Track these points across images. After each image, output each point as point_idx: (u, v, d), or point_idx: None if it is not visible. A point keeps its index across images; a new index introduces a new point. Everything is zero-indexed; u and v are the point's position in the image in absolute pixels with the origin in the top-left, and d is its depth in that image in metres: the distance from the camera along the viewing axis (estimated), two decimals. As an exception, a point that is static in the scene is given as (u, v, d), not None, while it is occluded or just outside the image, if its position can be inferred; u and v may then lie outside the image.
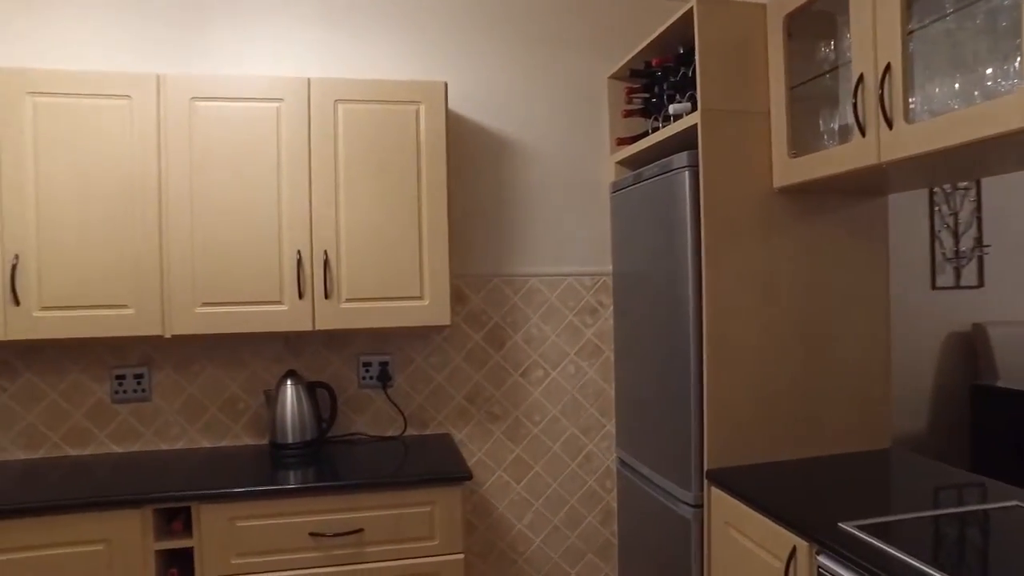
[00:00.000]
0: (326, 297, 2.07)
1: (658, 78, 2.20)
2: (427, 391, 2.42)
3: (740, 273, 1.89)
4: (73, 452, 2.18)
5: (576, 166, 2.52)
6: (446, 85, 2.13)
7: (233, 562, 1.81)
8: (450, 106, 2.44)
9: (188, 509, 1.82)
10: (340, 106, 2.07)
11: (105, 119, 1.94)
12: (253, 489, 1.81)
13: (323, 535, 1.83)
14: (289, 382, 2.17)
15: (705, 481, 1.88)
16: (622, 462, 2.43)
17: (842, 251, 1.97)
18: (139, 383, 2.20)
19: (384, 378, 2.37)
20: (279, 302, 2.04)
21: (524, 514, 2.48)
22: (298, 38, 2.34)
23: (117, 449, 2.21)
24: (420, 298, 2.13)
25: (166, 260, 1.97)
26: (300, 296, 2.05)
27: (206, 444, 2.27)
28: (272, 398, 2.17)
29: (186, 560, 1.83)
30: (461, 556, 1.92)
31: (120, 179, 1.95)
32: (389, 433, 2.38)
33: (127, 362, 2.21)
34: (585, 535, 2.53)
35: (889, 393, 2.01)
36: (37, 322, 1.91)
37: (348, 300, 2.08)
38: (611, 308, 2.53)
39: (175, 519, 1.84)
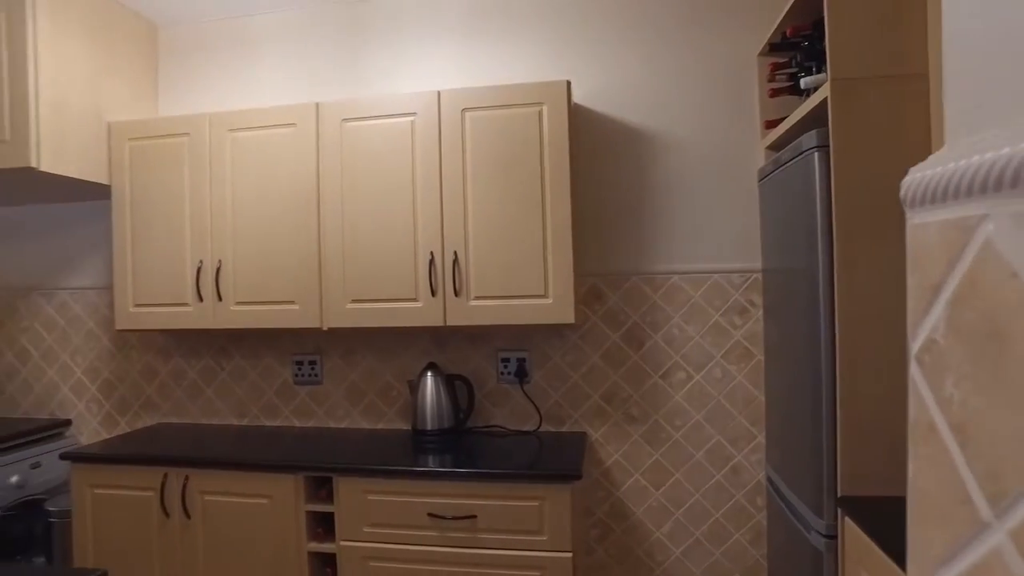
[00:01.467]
0: (456, 295, 2.21)
1: (801, 49, 1.95)
2: (563, 389, 2.44)
3: (883, 272, 1.60)
4: (268, 423, 2.63)
5: (722, 154, 2.33)
6: (568, 84, 2.14)
7: (364, 530, 2.03)
8: (581, 102, 2.43)
9: (331, 479, 2.09)
10: (467, 114, 2.20)
11: (278, 145, 2.30)
12: (379, 468, 2.02)
13: (440, 516, 1.97)
14: (429, 374, 2.36)
15: (838, 509, 1.63)
16: (769, 479, 2.20)
17: None
18: (313, 369, 2.57)
19: (521, 374, 2.44)
20: (415, 299, 2.23)
21: (663, 522, 2.37)
22: (434, 53, 2.52)
23: (297, 423, 2.61)
24: (544, 296, 2.16)
25: (323, 262, 2.28)
26: (433, 294, 2.22)
27: (365, 425, 2.56)
28: (414, 388, 2.38)
29: (330, 523, 2.10)
30: (569, 555, 1.91)
31: (289, 195, 2.30)
32: (526, 428, 2.45)
33: (304, 350, 2.60)
34: (732, 554, 2.33)
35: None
36: (234, 314, 2.34)
37: (476, 298, 2.20)
38: (762, 308, 2.30)
39: (323, 487, 2.12)
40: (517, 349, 2.46)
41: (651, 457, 2.38)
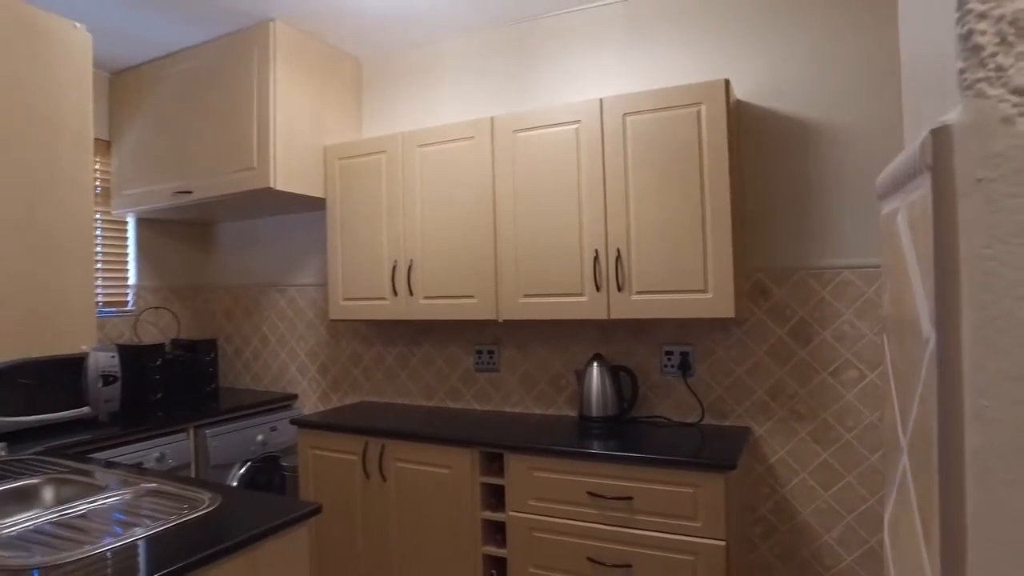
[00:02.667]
0: (619, 290, 2.34)
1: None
2: (727, 383, 2.46)
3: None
4: (452, 405, 2.95)
5: (892, 144, 2.21)
6: (727, 83, 2.17)
7: (530, 503, 2.23)
8: (744, 98, 2.43)
9: (502, 456, 2.32)
10: (628, 119, 2.32)
11: (459, 156, 2.60)
12: (544, 447, 2.21)
13: (599, 496, 2.11)
14: (595, 364, 2.51)
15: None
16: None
17: None
18: (491, 357, 2.84)
19: (685, 367, 2.50)
20: (580, 294, 2.40)
21: (833, 526, 2.29)
22: (596, 63, 2.67)
23: (477, 407, 2.89)
24: (704, 291, 2.22)
25: (498, 260, 2.53)
26: (597, 289, 2.37)
27: (536, 411, 2.77)
28: (581, 377, 2.54)
29: (500, 495, 2.33)
30: (723, 543, 1.96)
31: (468, 200, 2.58)
32: (688, 420, 2.51)
33: (484, 340, 2.88)
34: (912, 565, 2.19)
35: None
36: (423, 307, 2.68)
37: (638, 292, 2.31)
38: (949, 304, 2.13)
39: (495, 462, 2.36)
40: (681, 343, 2.53)
41: (819, 457, 2.32)
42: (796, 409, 2.36)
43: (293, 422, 2.71)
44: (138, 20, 2.65)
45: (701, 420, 2.49)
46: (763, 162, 2.41)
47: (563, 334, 2.74)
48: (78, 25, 1.63)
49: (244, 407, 3.01)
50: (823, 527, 2.31)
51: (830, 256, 2.31)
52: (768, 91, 2.41)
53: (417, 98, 3.08)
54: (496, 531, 2.36)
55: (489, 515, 2.32)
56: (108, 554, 1.38)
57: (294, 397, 3.31)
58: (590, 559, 2.11)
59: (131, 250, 3.30)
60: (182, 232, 3.56)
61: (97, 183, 3.06)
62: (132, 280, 3.28)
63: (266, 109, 2.68)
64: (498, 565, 2.34)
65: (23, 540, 1.52)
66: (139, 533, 1.48)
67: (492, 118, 2.54)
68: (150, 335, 3.32)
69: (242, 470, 2.90)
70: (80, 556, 1.37)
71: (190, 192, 2.86)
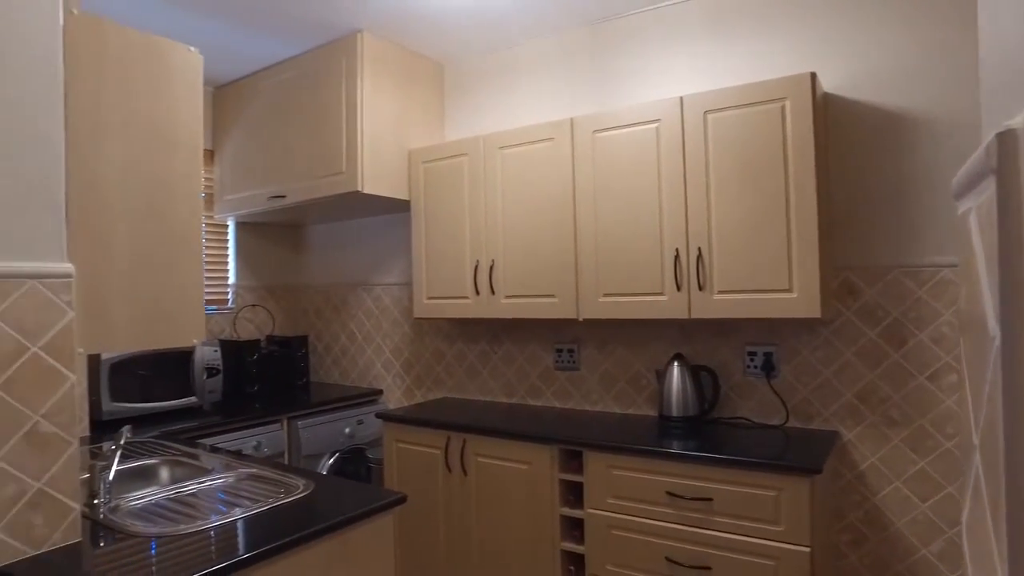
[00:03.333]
0: (700, 289, 2.31)
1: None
2: (813, 385, 2.38)
3: None
4: (532, 402, 2.99)
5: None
6: (813, 76, 2.11)
7: (608, 501, 2.24)
8: (833, 91, 2.35)
9: (581, 453, 2.34)
10: (709, 116, 2.29)
11: (539, 158, 2.63)
12: (623, 445, 2.21)
13: (679, 496, 2.10)
14: (676, 364, 2.49)
15: None
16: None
17: None
18: (571, 356, 2.86)
19: (768, 368, 2.44)
20: (661, 293, 2.38)
21: (931, 540, 2.17)
22: (675, 61, 2.63)
23: (557, 404, 2.92)
24: (788, 290, 2.16)
25: (578, 260, 2.55)
26: (678, 288, 2.35)
27: (616, 410, 2.77)
28: (662, 376, 2.52)
29: (579, 492, 2.35)
30: (806, 549, 1.90)
31: (549, 201, 2.61)
32: (772, 422, 2.44)
33: (563, 339, 2.90)
34: (1020, 583, 2.05)
35: None
36: (504, 306, 2.73)
37: (720, 292, 2.28)
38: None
39: (575, 460, 2.38)
40: (764, 343, 2.47)
41: (915, 465, 2.21)
42: (889, 414, 2.25)
43: (379, 415, 2.83)
44: (239, 38, 2.84)
45: (785, 422, 2.43)
46: (852, 157, 2.32)
47: (643, 333, 2.73)
48: (192, 49, 1.78)
49: (332, 400, 3.17)
50: (921, 540, 2.20)
51: (928, 254, 2.19)
52: (858, 83, 2.31)
53: (497, 100, 3.14)
54: (574, 528, 2.39)
55: (568, 512, 2.35)
56: (213, 531, 1.50)
57: (379, 392, 3.45)
58: (668, 559, 2.10)
59: (231, 251, 3.53)
60: (277, 234, 3.78)
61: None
62: (232, 280, 3.52)
63: (354, 116, 2.81)
64: (576, 561, 2.36)
65: (145, 512, 1.68)
66: (240, 513, 1.60)
67: (572, 119, 2.56)
68: (247, 331, 3.54)
69: (331, 460, 3.06)
70: (191, 530, 1.51)
71: (284, 197, 3.03)
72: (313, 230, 3.88)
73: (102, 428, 2.50)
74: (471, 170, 2.82)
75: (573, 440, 2.33)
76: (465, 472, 2.58)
